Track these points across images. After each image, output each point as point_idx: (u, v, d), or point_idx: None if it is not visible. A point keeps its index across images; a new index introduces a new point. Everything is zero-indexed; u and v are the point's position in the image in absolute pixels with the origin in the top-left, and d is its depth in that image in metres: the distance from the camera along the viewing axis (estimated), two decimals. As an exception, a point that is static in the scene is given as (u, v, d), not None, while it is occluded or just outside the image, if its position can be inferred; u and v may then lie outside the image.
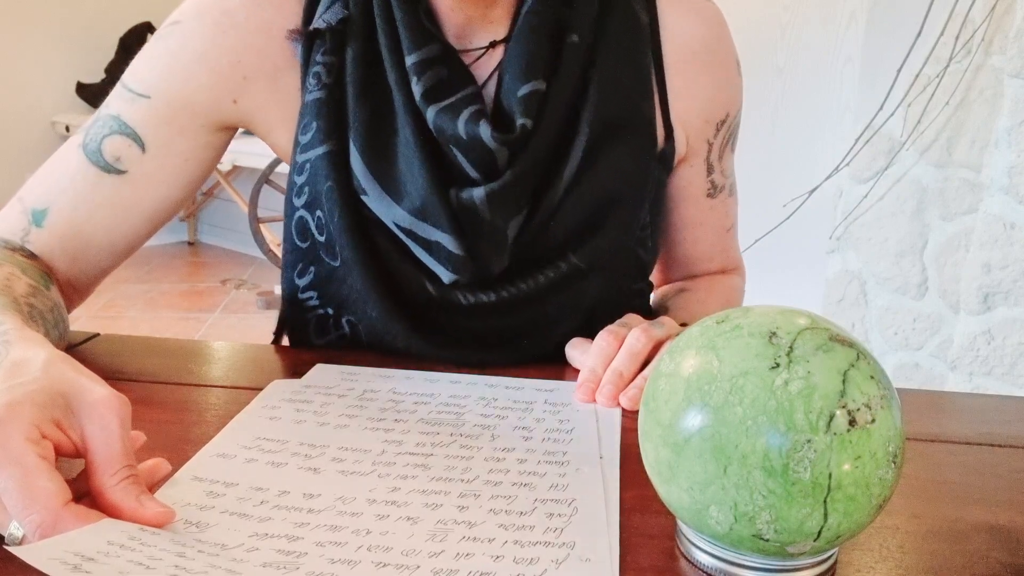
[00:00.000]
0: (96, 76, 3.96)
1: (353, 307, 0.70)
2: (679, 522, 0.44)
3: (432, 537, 0.43)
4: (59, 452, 0.41)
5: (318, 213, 0.69)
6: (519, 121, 0.66)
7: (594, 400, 0.61)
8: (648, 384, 0.43)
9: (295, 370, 0.66)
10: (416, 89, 0.66)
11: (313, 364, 0.67)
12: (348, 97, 0.67)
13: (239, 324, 3.24)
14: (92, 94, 3.93)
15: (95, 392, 0.43)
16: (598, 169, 0.69)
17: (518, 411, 0.59)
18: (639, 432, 0.43)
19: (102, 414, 0.42)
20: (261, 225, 2.35)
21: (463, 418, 0.58)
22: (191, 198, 0.73)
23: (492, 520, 0.45)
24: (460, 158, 0.66)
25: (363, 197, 0.68)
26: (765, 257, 1.93)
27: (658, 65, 0.73)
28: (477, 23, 0.69)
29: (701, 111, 0.76)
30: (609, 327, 0.66)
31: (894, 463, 0.38)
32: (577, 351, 0.68)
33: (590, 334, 0.67)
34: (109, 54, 3.96)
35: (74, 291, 0.74)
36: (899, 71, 1.86)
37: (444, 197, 0.66)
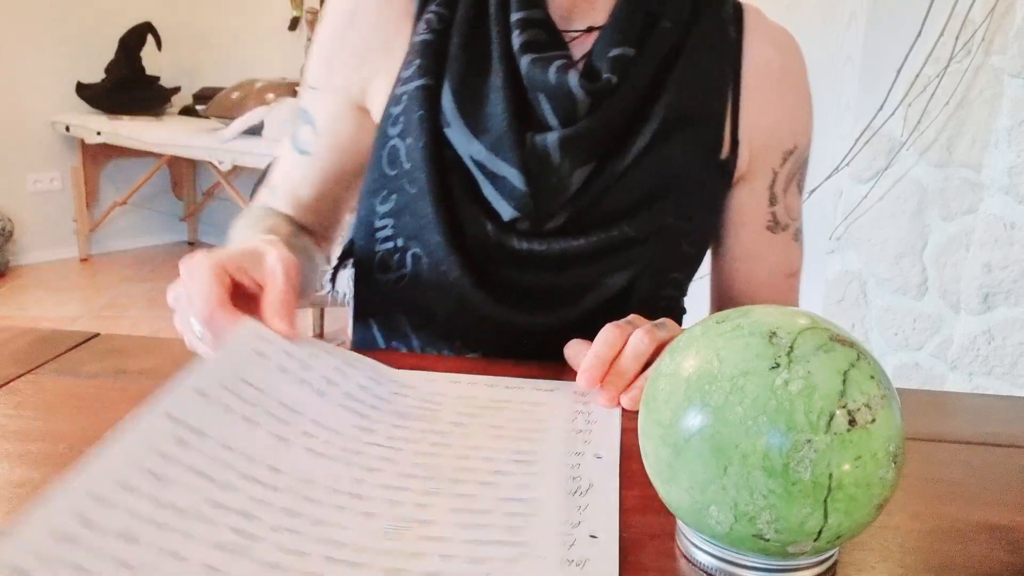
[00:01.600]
0: (96, 76, 3.96)
1: (419, 235, 0.75)
2: (679, 522, 0.44)
3: (427, 538, 0.43)
4: (244, 288, 0.58)
5: (408, 140, 0.74)
6: (605, 76, 0.71)
7: (598, 385, 0.61)
8: (648, 384, 0.43)
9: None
10: (516, 40, 0.72)
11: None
12: (451, 45, 0.74)
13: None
14: (92, 94, 3.93)
15: (271, 254, 0.59)
16: (665, 151, 0.74)
17: (517, 412, 0.59)
18: (639, 432, 0.43)
19: (272, 268, 0.58)
20: (261, 225, 2.34)
21: (462, 418, 0.58)
22: (363, 166, 0.84)
23: (496, 521, 0.45)
24: (544, 105, 0.71)
25: (446, 129, 0.73)
26: (765, 257, 1.93)
27: (735, 81, 0.77)
28: (580, 7, 0.75)
29: (769, 134, 0.79)
30: (615, 322, 0.66)
31: (894, 463, 0.38)
32: (576, 351, 0.68)
33: (624, 305, 0.73)
34: (109, 54, 3.96)
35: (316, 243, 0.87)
36: (899, 71, 1.86)
37: (520, 138, 0.71)
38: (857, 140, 1.96)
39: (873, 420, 0.37)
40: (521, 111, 0.72)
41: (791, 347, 0.38)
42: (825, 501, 0.37)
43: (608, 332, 0.64)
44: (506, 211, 0.73)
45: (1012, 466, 0.55)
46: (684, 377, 0.40)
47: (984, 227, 1.70)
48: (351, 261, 0.84)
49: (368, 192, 0.79)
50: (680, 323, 0.85)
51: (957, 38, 1.78)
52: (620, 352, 0.63)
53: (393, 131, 0.76)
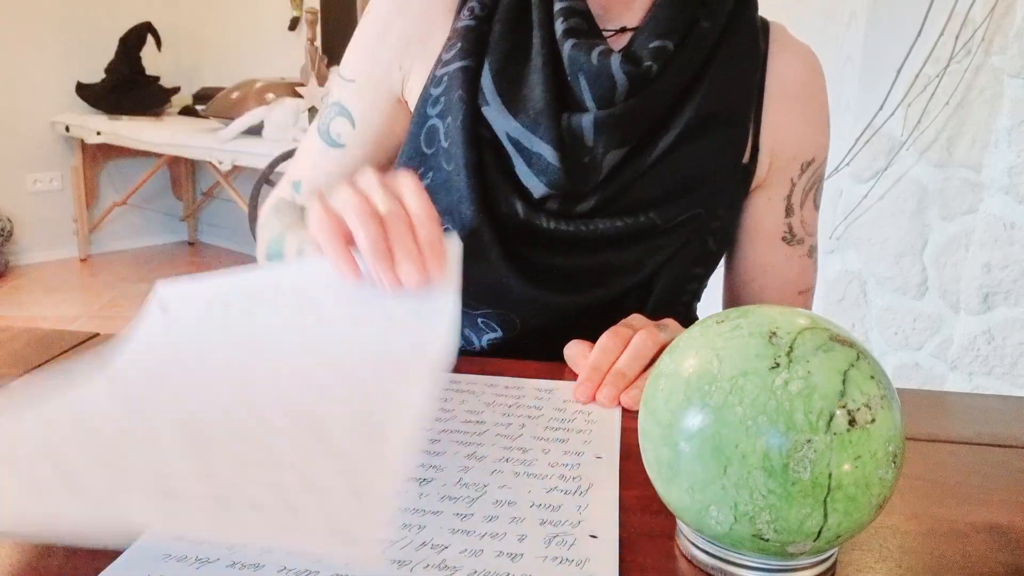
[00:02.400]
0: (96, 76, 3.96)
1: (453, 210, 0.76)
2: (679, 522, 0.44)
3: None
4: None
5: (448, 120, 0.76)
6: (646, 63, 0.73)
7: (594, 399, 0.61)
8: (648, 384, 0.43)
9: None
10: (559, 27, 0.74)
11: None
12: (494, 31, 0.76)
13: (239, 324, 3.24)
14: (92, 94, 3.92)
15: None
16: (693, 147, 0.75)
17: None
18: (639, 432, 0.43)
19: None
20: (261, 225, 2.34)
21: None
22: (394, 161, 0.87)
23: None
24: (583, 86, 0.73)
25: (484, 108, 0.75)
26: (765, 257, 1.93)
27: (760, 90, 0.79)
28: (617, 7, 0.77)
29: (789, 145, 0.81)
30: (613, 328, 0.66)
31: (894, 463, 0.38)
32: (575, 352, 0.68)
33: (646, 294, 0.76)
34: (109, 54, 3.96)
35: None
36: (899, 71, 1.86)
37: (556, 117, 0.73)
38: (857, 140, 1.96)
39: (873, 420, 0.37)
40: (559, 93, 0.74)
41: (791, 347, 0.38)
42: (825, 501, 0.37)
43: (606, 340, 0.64)
44: (538, 188, 0.74)
45: (1012, 466, 0.55)
46: (684, 377, 0.40)
47: (984, 227, 1.70)
48: None
49: (403, 169, 0.80)
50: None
51: (957, 38, 1.78)
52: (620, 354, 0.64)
53: (432, 111, 0.77)
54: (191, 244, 4.46)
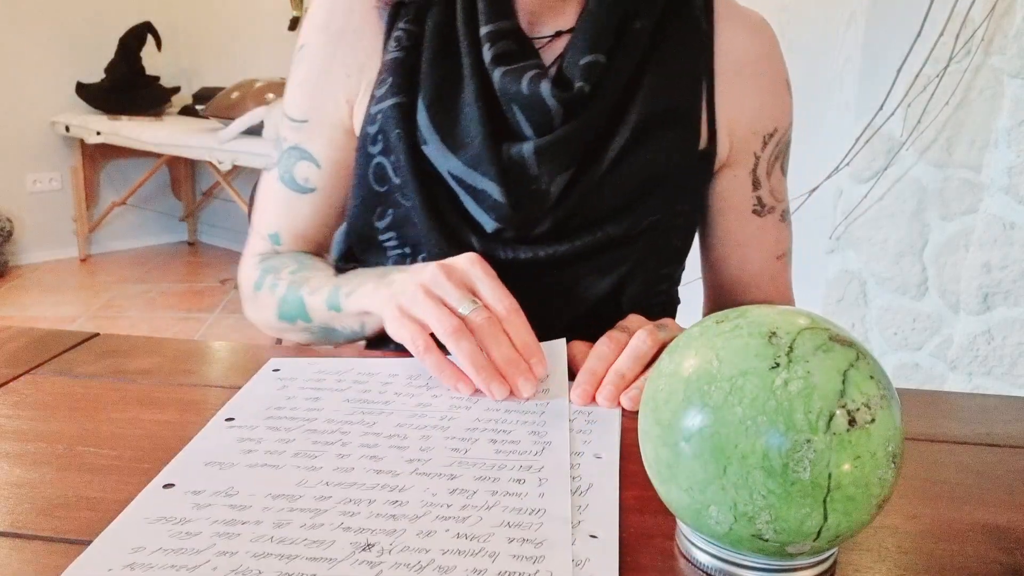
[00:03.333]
0: (96, 76, 3.96)
1: (423, 243, 0.76)
2: (679, 522, 0.44)
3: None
4: None
5: (392, 157, 0.75)
6: (578, 84, 0.71)
7: (592, 402, 0.61)
8: (648, 384, 0.43)
9: (295, 370, 0.66)
10: (487, 54, 0.72)
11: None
12: (423, 61, 0.74)
13: (238, 324, 3.24)
14: (92, 94, 3.92)
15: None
16: (642, 151, 0.74)
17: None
18: (639, 432, 0.43)
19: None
20: (261, 225, 2.34)
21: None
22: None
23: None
24: (518, 115, 0.72)
25: (423, 147, 0.73)
26: (765, 257, 1.93)
27: (709, 72, 0.77)
28: (548, 12, 0.75)
29: (748, 121, 0.79)
30: (610, 332, 0.66)
31: (894, 463, 0.38)
32: (576, 351, 0.68)
33: (616, 306, 0.75)
34: (109, 54, 3.96)
35: None
36: (899, 71, 1.86)
37: (496, 151, 0.71)
38: (857, 140, 1.96)
39: (872, 420, 0.37)
40: (496, 123, 0.72)
41: (790, 347, 0.38)
42: (824, 501, 0.37)
43: (602, 346, 0.64)
44: (488, 223, 0.73)
45: (1010, 467, 0.55)
46: (683, 377, 0.40)
47: (984, 227, 1.70)
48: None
49: (361, 210, 0.79)
50: (675, 313, 0.85)
51: (957, 38, 1.78)
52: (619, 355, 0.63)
53: (374, 149, 0.76)
54: (191, 244, 4.46)
